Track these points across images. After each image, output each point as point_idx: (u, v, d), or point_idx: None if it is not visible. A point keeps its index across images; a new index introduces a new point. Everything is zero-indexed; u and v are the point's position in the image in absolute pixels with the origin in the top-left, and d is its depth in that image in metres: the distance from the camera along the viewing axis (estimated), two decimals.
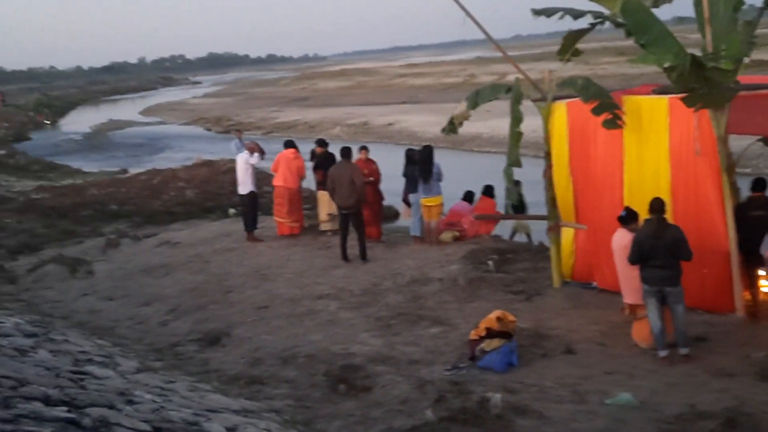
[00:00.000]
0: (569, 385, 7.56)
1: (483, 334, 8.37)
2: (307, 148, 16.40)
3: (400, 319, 9.99)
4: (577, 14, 9.91)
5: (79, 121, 64.41)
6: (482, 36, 11.12)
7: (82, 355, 7.63)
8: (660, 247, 8.03)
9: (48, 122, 63.96)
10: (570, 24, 10.18)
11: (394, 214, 17.63)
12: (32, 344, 7.44)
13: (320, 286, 11.72)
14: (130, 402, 5.49)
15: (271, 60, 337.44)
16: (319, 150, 15.30)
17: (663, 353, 8.10)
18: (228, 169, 21.59)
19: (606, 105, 9.55)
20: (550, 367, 8.14)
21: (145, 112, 70.96)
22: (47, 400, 4.70)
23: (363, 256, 12.93)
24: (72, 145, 45.24)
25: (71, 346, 8.17)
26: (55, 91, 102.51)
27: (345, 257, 12.99)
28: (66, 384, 5.49)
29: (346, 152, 13.44)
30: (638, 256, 8.17)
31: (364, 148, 14.09)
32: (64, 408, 4.55)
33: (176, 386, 7.10)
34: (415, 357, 8.70)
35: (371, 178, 13.70)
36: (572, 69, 14.64)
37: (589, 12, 9.80)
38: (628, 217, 8.80)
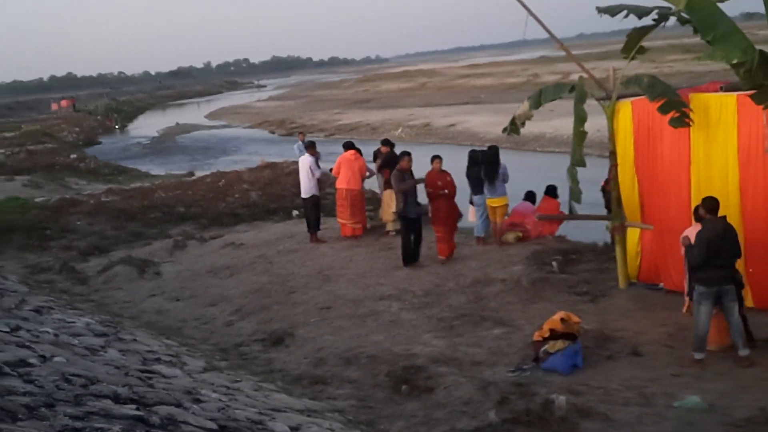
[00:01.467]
0: (635, 387, 7.43)
1: (547, 335, 8.29)
2: (369, 150, 16.46)
3: (462, 320, 9.94)
4: (641, 12, 9.73)
5: (147, 126, 65.84)
6: (545, 35, 11.01)
7: (150, 355, 7.79)
8: (725, 246, 7.91)
9: (117, 127, 65.53)
10: (635, 22, 10.02)
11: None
12: (102, 343, 7.63)
13: (382, 287, 11.74)
14: (197, 400, 5.59)
15: (334, 62, 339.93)
16: (384, 150, 15.33)
17: (700, 356, 7.96)
18: (291, 171, 21.80)
19: (673, 103, 9.35)
20: (615, 369, 8.01)
21: (210, 115, 72.19)
22: (117, 398, 4.81)
23: (409, 261, 12.81)
24: (140, 148, 46.26)
25: (140, 345, 8.35)
26: (124, 96, 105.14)
27: (411, 261, 12.88)
28: (135, 382, 5.61)
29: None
30: (706, 256, 7.98)
31: (437, 158, 13.09)
32: (133, 406, 4.65)
33: (241, 385, 7.20)
34: (478, 358, 8.66)
35: (446, 191, 12.78)
36: (637, 67, 14.32)
37: (655, 9, 9.62)
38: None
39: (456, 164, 14.23)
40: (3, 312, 8.01)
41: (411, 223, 12.87)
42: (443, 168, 13.03)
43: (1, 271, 13.32)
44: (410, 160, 13.05)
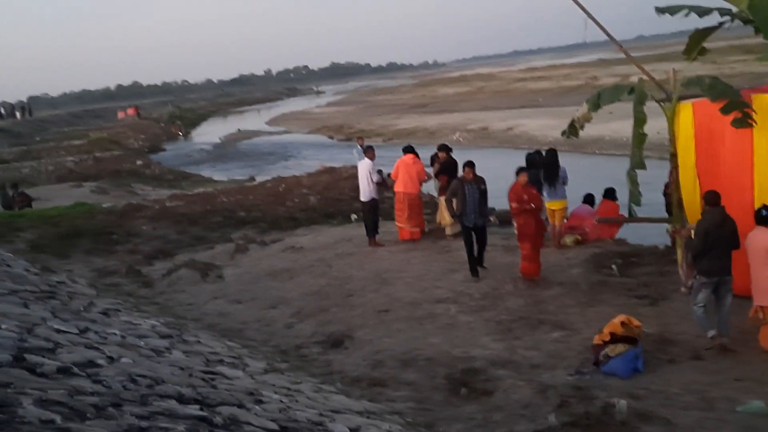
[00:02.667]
0: (697, 391, 7.34)
1: (607, 338, 8.24)
2: (427, 154, 16.51)
3: (520, 323, 9.92)
4: (702, 12, 9.60)
5: (210, 132, 66.87)
6: (604, 38, 10.94)
7: (213, 356, 7.95)
8: (723, 237, 8.37)
9: (181, 134, 66.65)
10: (695, 22, 9.89)
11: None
12: (167, 345, 7.81)
13: (440, 290, 11.77)
14: (259, 401, 5.69)
15: (391, 68, 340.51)
16: (441, 155, 15.35)
17: (712, 332, 8.39)
18: (349, 176, 21.97)
19: (735, 104, 9.20)
20: (676, 373, 7.91)
21: (270, 122, 73.03)
22: (181, 399, 4.94)
23: (480, 263, 12.54)
24: (203, 155, 47.03)
25: (203, 347, 8.52)
26: (187, 104, 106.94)
27: (475, 272, 12.33)
28: (198, 383, 5.75)
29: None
30: (704, 247, 8.40)
31: (523, 171, 12.25)
32: (197, 406, 4.77)
33: (301, 387, 7.30)
34: (536, 361, 8.64)
35: (532, 205, 11.99)
36: (698, 68, 14.10)
37: (716, 9, 9.48)
38: None
39: (514, 167, 14.20)
40: (72, 314, 8.26)
41: (472, 232, 12.45)
42: (526, 182, 12.11)
43: (70, 275, 13.71)
44: (472, 171, 12.46)
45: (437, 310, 10.81)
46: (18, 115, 78.84)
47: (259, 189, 23.33)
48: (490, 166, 16.27)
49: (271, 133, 59.51)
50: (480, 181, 12.51)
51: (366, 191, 15.19)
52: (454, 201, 12.65)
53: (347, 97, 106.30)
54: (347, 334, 10.21)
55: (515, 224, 12.50)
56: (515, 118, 41.77)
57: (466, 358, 8.85)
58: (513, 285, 11.61)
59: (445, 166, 15.00)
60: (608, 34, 10.78)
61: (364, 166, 15.26)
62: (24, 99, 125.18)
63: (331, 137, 50.83)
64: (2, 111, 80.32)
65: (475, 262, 12.38)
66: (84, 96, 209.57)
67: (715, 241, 8.30)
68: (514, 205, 12.03)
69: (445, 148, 15.59)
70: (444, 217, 15.09)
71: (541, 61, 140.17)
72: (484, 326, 9.99)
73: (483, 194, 12.46)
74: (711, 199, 8.54)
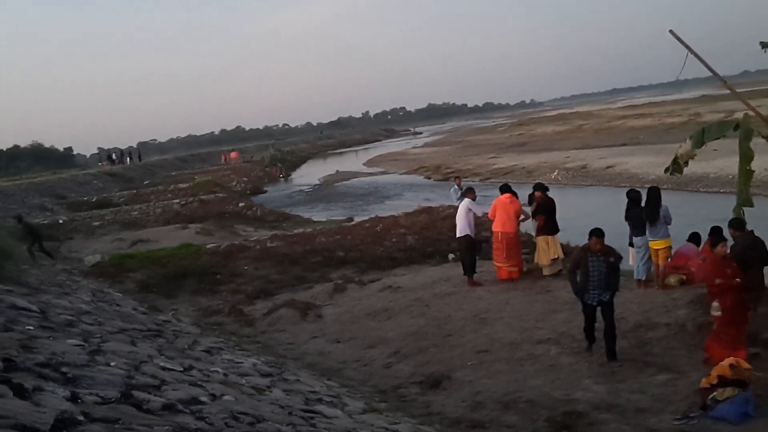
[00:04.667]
0: None
1: (715, 382, 7.93)
2: (524, 193, 16.39)
3: (625, 366, 9.66)
4: None
5: (309, 174, 68.11)
6: (707, 74, 10.69)
7: (312, 395, 8.03)
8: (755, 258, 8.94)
9: (282, 176, 68.02)
10: None
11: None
12: (268, 383, 7.94)
13: (540, 331, 11.58)
14: None
15: (488, 108, 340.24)
16: (538, 195, 15.21)
17: None
18: (447, 215, 21.95)
19: None
20: None
21: (368, 163, 73.83)
22: None
23: (610, 356, 10.09)
24: (302, 196, 47.86)
25: (303, 386, 8.62)
26: (288, 147, 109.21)
27: (591, 344, 10.57)
28: (298, 422, 5.81)
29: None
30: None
31: (722, 241, 9.62)
32: None
33: (400, 428, 7.29)
34: (641, 405, 8.38)
35: (737, 280, 9.34)
36: None
37: None
38: None
39: (615, 205, 13.94)
40: (177, 352, 8.50)
41: (595, 310, 10.47)
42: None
43: (176, 314, 14.14)
44: (599, 241, 10.25)
45: (538, 351, 10.64)
46: (128, 160, 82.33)
47: (357, 229, 23.54)
48: (589, 204, 15.94)
49: (368, 174, 60.12)
50: (609, 253, 10.38)
51: (462, 227, 15.26)
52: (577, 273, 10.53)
53: (444, 138, 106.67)
54: (446, 374, 10.15)
55: (715, 306, 9.56)
56: (615, 156, 41.02)
57: (568, 400, 8.66)
58: (616, 326, 11.30)
59: (542, 206, 14.86)
60: (711, 70, 10.54)
61: (464, 204, 15.40)
62: (134, 145, 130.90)
63: (428, 177, 50.97)
64: (114, 157, 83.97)
65: (592, 334, 10.56)
66: (190, 141, 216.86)
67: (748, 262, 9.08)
68: (717, 281, 9.51)
69: (541, 188, 15.42)
70: (542, 257, 14.89)
71: (642, 99, 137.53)
72: (587, 368, 9.77)
73: (612, 268, 10.34)
74: (737, 225, 9.31)
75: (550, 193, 15.37)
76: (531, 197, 15.60)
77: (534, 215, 15.12)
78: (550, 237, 14.73)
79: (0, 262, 11.22)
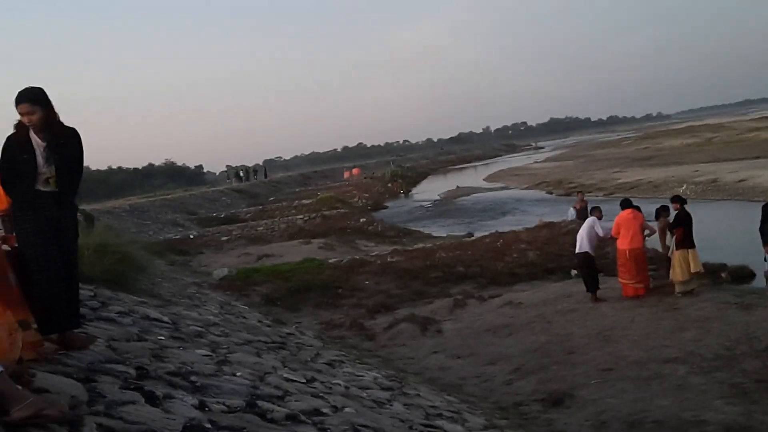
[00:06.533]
0: None
1: None
2: (650, 208, 15.92)
3: (759, 387, 9.17)
4: None
5: (429, 190, 68.31)
6: None
7: (432, 410, 8.03)
8: None
9: (402, 192, 68.57)
10: None
11: (749, 274, 16.45)
12: (388, 397, 8.00)
13: (668, 349, 11.16)
14: None
15: (612, 121, 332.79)
16: (675, 207, 14.69)
17: None
18: (569, 231, 21.57)
19: None
20: None
21: (488, 178, 73.49)
22: None
23: None
24: (422, 212, 48.02)
25: (423, 400, 8.64)
26: (408, 163, 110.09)
27: None
28: None
29: None
30: None
31: None
32: None
33: None
34: None
35: None
36: None
37: None
38: None
39: (748, 221, 13.34)
40: (300, 364, 8.69)
41: None
42: None
43: (299, 327, 14.44)
44: None
45: (665, 371, 10.26)
46: (254, 177, 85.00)
47: (477, 244, 23.44)
48: (721, 218, 15.33)
49: (488, 190, 59.80)
50: None
51: (582, 243, 15.14)
52: None
53: (566, 152, 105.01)
54: (569, 392, 9.93)
55: None
56: (749, 170, 39.28)
57: (698, 422, 8.31)
58: (748, 345, 10.80)
59: (680, 219, 14.35)
60: None
61: (588, 221, 15.32)
62: (260, 162, 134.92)
63: (550, 192, 50.23)
64: (241, 174, 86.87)
65: None
66: (313, 158, 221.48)
67: None
68: None
69: (678, 200, 14.86)
70: (677, 273, 14.32)
71: None
72: (718, 389, 9.34)
73: None
74: None
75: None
76: (659, 212, 15.14)
77: (671, 229, 14.65)
78: (690, 251, 14.14)
79: (134, 275, 11.80)
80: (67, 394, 4.10)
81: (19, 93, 5.43)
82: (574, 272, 17.93)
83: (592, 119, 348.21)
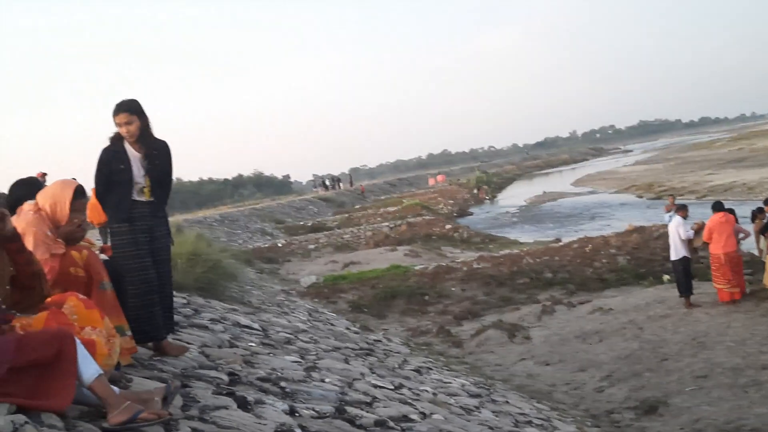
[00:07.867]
0: None
1: None
2: (745, 210, 15.42)
3: None
4: None
5: (515, 195, 67.72)
6: None
7: (521, 417, 7.96)
8: None
9: (487, 197, 68.16)
10: None
11: None
12: (476, 404, 7.97)
13: (765, 356, 10.75)
14: None
15: (704, 122, 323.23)
16: None
17: None
18: (660, 235, 21.04)
19: None
20: None
21: (575, 182, 72.39)
22: None
23: None
24: (508, 217, 47.63)
25: (511, 407, 8.57)
26: (493, 169, 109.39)
27: None
28: None
29: None
30: None
31: None
32: None
33: None
34: None
35: None
36: None
37: None
38: None
39: None
40: (388, 371, 8.73)
41: None
42: None
43: (386, 334, 14.52)
44: None
45: (763, 378, 9.90)
46: (340, 185, 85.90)
47: (565, 250, 23.10)
48: None
49: (576, 194, 58.89)
50: None
51: (676, 249, 14.69)
52: None
53: (656, 155, 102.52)
54: (662, 400, 9.70)
55: None
56: None
57: None
58: None
59: None
60: None
61: (673, 223, 14.83)
62: (346, 171, 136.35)
63: (639, 196, 49.12)
64: (327, 182, 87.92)
65: None
66: (398, 165, 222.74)
67: None
68: None
69: None
70: None
71: None
72: None
73: None
74: None
75: None
76: (754, 214, 14.66)
77: (764, 232, 14.17)
78: None
79: (225, 283, 12.08)
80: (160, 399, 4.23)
81: (117, 104, 5.64)
82: (666, 277, 17.50)
83: (683, 121, 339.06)
